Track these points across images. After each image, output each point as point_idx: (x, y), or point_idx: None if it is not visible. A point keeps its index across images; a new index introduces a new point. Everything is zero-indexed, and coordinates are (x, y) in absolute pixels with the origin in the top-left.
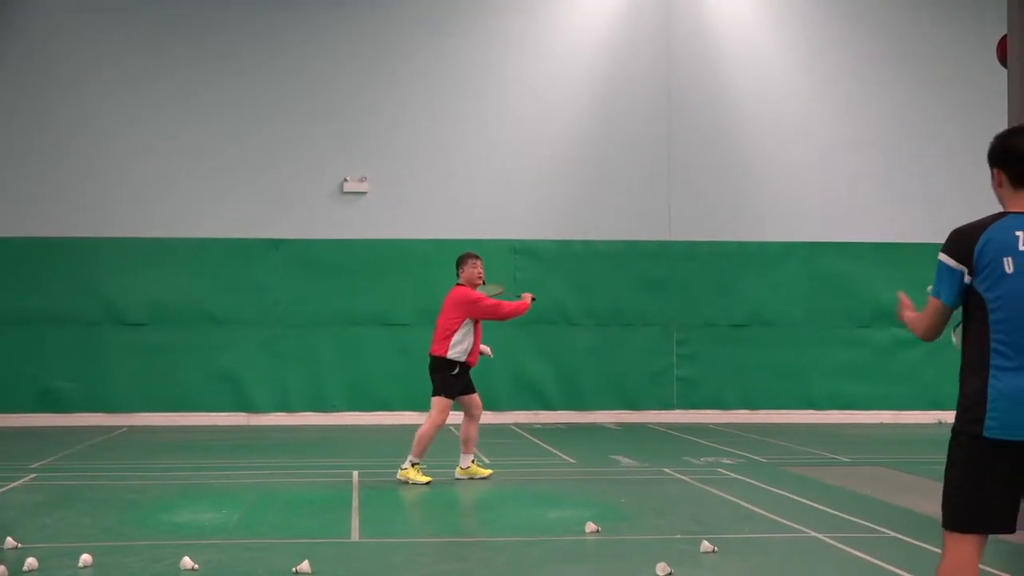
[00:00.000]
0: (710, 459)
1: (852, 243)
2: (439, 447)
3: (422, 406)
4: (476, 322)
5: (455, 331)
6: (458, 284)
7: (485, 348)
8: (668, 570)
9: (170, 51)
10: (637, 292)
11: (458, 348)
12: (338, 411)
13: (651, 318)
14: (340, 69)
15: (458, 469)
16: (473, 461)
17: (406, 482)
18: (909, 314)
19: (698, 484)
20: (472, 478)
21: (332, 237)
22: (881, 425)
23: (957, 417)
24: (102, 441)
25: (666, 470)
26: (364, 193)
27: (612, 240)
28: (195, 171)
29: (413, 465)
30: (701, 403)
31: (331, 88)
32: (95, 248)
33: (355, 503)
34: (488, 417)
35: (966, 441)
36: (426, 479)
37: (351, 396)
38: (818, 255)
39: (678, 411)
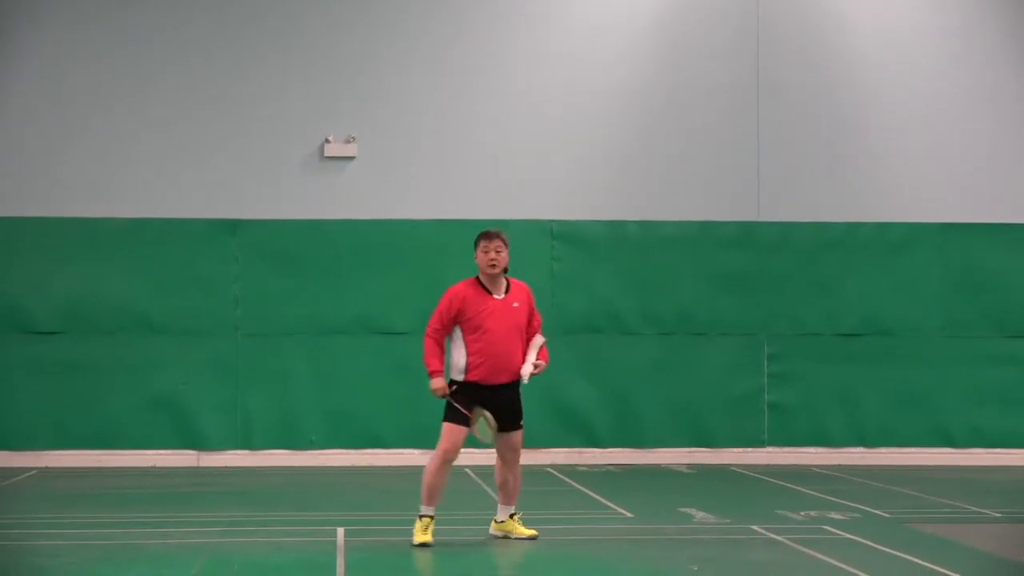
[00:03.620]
0: (812, 513)
1: (1001, 224)
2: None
3: (426, 442)
4: (466, 325)
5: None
6: None
7: (526, 368)
8: None
9: None
10: (713, 290)
11: (450, 362)
12: (315, 448)
13: (732, 325)
14: None
15: (493, 523)
16: (514, 515)
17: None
18: None
19: (797, 547)
20: (508, 536)
21: (308, 217)
22: None
23: None
24: (1, 488)
25: (754, 528)
26: (351, 159)
27: (680, 221)
28: (125, 128)
29: (420, 518)
30: (800, 438)
31: (309, 22)
32: None
33: (340, 571)
34: None
35: None
36: (423, 538)
37: (332, 429)
38: (956, 240)
39: (769, 449)
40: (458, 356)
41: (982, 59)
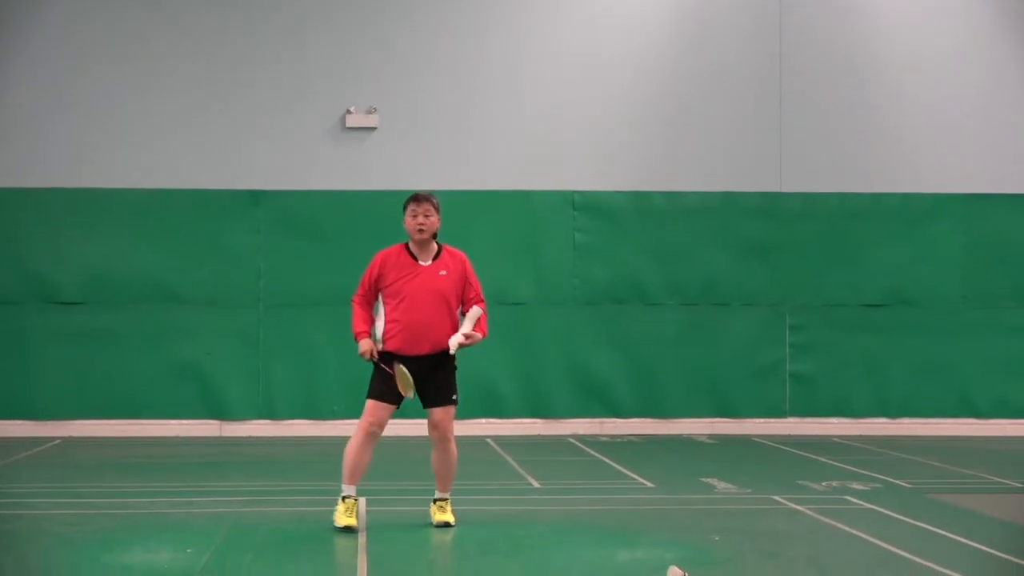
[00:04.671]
0: (834, 483)
1: None
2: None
3: None
4: (387, 291)
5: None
6: None
7: (455, 339)
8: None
9: None
10: (737, 261)
11: (375, 332)
12: (338, 418)
13: (755, 296)
14: None
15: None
16: (438, 500)
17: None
18: None
19: (818, 516)
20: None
21: (331, 188)
22: None
23: None
24: (26, 458)
25: (776, 498)
26: (373, 129)
27: (703, 192)
28: (148, 99)
29: (342, 499)
30: (822, 409)
31: None
32: (14, 203)
33: (362, 542)
34: (539, 427)
35: None
36: (347, 521)
37: (355, 399)
38: (980, 211)
39: (791, 419)
40: (380, 324)
41: (1005, 30)
